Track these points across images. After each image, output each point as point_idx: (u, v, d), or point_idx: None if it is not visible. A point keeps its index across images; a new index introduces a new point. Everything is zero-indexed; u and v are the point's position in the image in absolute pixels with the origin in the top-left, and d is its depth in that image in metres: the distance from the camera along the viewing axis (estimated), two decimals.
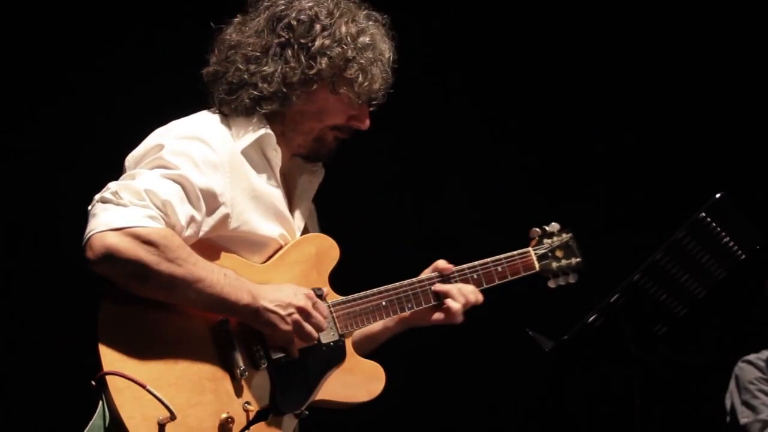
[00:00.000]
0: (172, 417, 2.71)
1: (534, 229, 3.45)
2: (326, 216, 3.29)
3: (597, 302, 3.24)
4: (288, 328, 2.87)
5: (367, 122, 3.09)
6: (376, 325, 3.22)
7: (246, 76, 2.99)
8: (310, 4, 3.03)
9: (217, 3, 3.16)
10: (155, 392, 2.70)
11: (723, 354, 4.93)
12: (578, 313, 3.28)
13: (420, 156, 5.27)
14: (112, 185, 2.78)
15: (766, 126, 5.59)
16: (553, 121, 5.56)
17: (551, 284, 3.46)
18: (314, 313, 2.91)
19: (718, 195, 3.22)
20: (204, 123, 2.99)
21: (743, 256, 3.24)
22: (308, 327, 2.90)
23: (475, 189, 5.38)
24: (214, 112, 3.04)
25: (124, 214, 2.71)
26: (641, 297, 3.19)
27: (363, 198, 5.06)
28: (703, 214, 3.19)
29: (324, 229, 3.27)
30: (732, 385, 4.70)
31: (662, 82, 5.61)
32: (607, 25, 5.54)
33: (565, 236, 3.47)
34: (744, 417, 4.62)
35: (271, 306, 2.85)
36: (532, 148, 5.53)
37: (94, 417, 2.73)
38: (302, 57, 2.98)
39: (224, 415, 2.81)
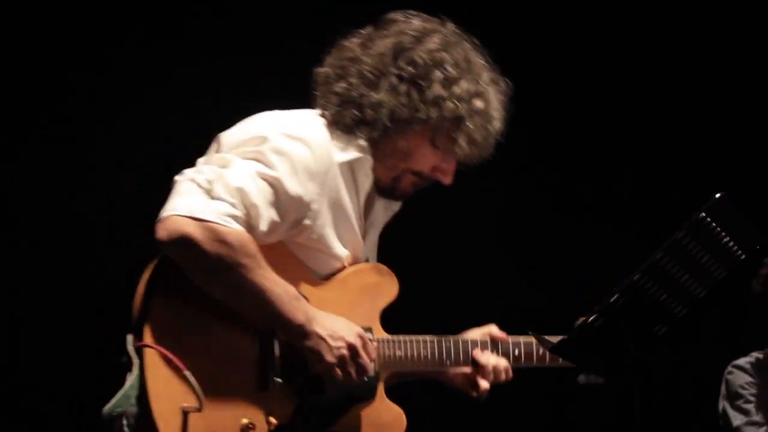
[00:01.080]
0: (199, 409, 2.70)
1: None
2: (387, 248, 3.28)
3: (597, 302, 3.23)
4: (332, 360, 2.86)
5: (451, 179, 3.06)
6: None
7: (355, 94, 2.95)
8: (440, 46, 2.96)
9: None
10: (193, 380, 2.70)
11: (723, 354, 4.93)
12: (578, 313, 3.28)
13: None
14: (207, 170, 2.75)
15: (766, 126, 5.60)
16: (553, 120, 5.56)
17: (581, 379, 3.43)
18: (362, 354, 2.90)
19: (718, 195, 3.21)
20: (311, 125, 2.95)
21: (743, 256, 3.23)
22: (351, 366, 2.89)
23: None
24: (320, 116, 3.00)
25: (210, 206, 2.69)
26: (641, 297, 3.19)
27: (427, 237, 5.04)
28: (703, 214, 3.19)
29: (380, 259, 3.26)
30: (723, 390, 4.73)
31: (662, 81, 5.62)
32: (607, 25, 5.54)
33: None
34: (737, 420, 4.63)
35: (323, 333, 2.84)
36: (533, 149, 5.54)
37: (126, 387, 2.69)
38: (415, 97, 2.93)
39: (245, 421, 2.81)
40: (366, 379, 2.98)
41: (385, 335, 3.06)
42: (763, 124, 5.59)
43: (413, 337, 3.09)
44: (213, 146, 2.99)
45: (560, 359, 3.32)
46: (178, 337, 2.75)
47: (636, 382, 3.19)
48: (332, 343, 2.85)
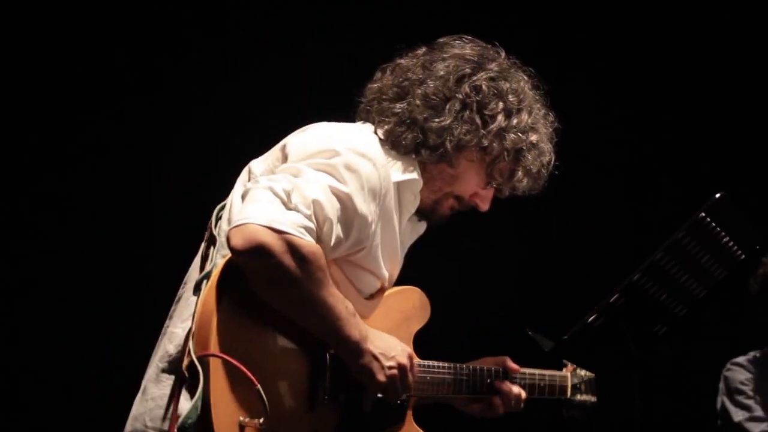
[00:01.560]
0: (260, 426, 2.67)
1: (568, 363, 3.53)
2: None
3: (597, 302, 3.23)
4: (383, 379, 2.85)
5: (488, 207, 3.06)
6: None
7: (419, 117, 2.91)
8: (499, 74, 2.95)
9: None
10: (263, 395, 2.67)
11: (723, 354, 4.93)
12: (578, 313, 3.28)
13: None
14: (283, 180, 2.71)
15: (766, 126, 5.60)
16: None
17: (564, 413, 3.56)
18: (409, 375, 2.90)
19: (718, 195, 3.21)
20: (372, 143, 2.91)
21: (743, 256, 3.24)
22: (399, 385, 2.88)
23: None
24: (376, 133, 2.96)
25: (288, 217, 2.66)
26: (641, 297, 3.19)
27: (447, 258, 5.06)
28: (703, 214, 3.19)
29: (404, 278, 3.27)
30: (722, 387, 4.72)
31: (662, 81, 5.61)
32: (607, 24, 5.54)
33: (591, 377, 3.58)
34: (738, 416, 4.63)
35: (376, 352, 2.83)
36: None
37: (195, 397, 2.63)
38: (478, 125, 2.90)
39: None
40: (400, 402, 3.00)
41: (417, 360, 3.05)
42: (763, 124, 5.59)
43: (440, 364, 3.12)
44: (275, 152, 2.94)
45: (557, 394, 3.48)
46: (242, 348, 2.70)
47: (636, 382, 3.20)
48: (384, 362, 2.84)
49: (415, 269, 3.29)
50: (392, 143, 2.93)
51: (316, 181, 2.73)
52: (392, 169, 2.91)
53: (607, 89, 5.55)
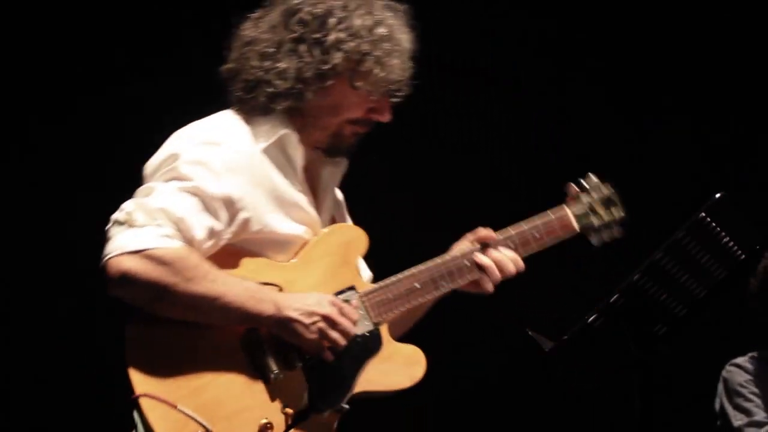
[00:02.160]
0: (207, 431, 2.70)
1: (570, 185, 3.28)
2: (354, 203, 3.24)
3: (597, 302, 3.23)
4: (313, 336, 2.82)
5: (389, 114, 3.03)
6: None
7: (261, 74, 2.93)
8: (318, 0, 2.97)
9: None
10: (186, 410, 2.69)
11: (723, 354, 4.92)
12: (578, 313, 3.28)
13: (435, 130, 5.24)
14: (127, 205, 2.75)
15: (766, 126, 5.59)
16: (553, 120, 5.56)
17: (595, 242, 3.28)
18: (340, 320, 2.85)
19: (718, 195, 3.22)
20: (223, 124, 2.95)
21: (743, 256, 3.24)
22: (334, 334, 2.84)
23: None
24: (235, 112, 2.99)
25: (139, 235, 2.68)
26: (641, 297, 3.19)
27: (386, 180, 5.04)
28: (703, 214, 3.19)
29: (354, 215, 3.23)
30: (720, 388, 4.69)
31: (662, 81, 5.61)
32: (607, 23, 5.54)
33: (605, 190, 3.33)
34: (737, 420, 4.60)
35: (295, 315, 2.81)
36: (533, 148, 5.53)
37: None
38: (316, 52, 2.92)
39: (263, 421, 2.78)
40: (367, 334, 2.95)
41: (370, 285, 3.01)
42: (763, 124, 5.59)
43: (399, 276, 3.02)
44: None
45: (562, 234, 3.16)
46: (170, 371, 2.72)
47: (636, 382, 3.20)
48: (306, 320, 2.81)
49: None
50: (247, 112, 2.96)
51: (162, 191, 2.75)
52: (256, 137, 2.92)
53: (607, 89, 5.54)
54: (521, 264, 3.15)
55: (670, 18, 5.57)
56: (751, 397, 4.61)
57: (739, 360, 4.70)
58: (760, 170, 5.53)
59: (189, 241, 2.74)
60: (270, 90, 2.93)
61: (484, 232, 3.14)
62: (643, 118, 5.62)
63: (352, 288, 2.97)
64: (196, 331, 2.78)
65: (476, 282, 3.13)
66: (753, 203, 3.50)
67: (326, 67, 2.92)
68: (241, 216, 2.85)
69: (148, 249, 2.67)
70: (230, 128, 2.94)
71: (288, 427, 2.81)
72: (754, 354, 4.70)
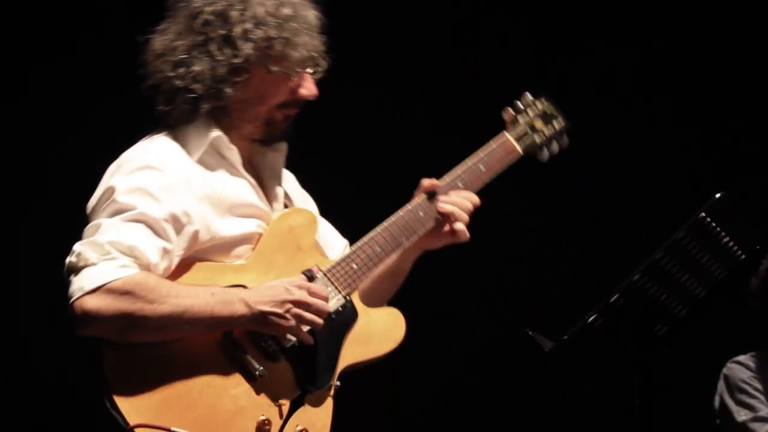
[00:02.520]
0: None
1: (506, 109, 3.29)
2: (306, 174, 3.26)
3: (597, 302, 3.23)
4: (291, 323, 2.85)
5: (314, 89, 3.04)
6: (380, 272, 3.16)
7: (178, 82, 2.95)
8: None
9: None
10: (179, 430, 2.70)
11: (723, 354, 4.92)
12: (578, 313, 3.28)
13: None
14: (77, 247, 2.78)
15: (766, 126, 5.59)
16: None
17: (542, 159, 3.33)
18: (312, 300, 2.87)
19: (718, 195, 3.22)
20: (152, 147, 2.97)
21: (743, 256, 3.24)
22: (310, 316, 2.86)
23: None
24: (160, 131, 3.02)
25: (95, 272, 2.72)
26: (641, 297, 3.19)
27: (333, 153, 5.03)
28: (703, 214, 3.19)
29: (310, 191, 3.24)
30: (721, 385, 4.67)
31: (662, 81, 5.61)
32: (608, 22, 5.54)
33: (539, 105, 3.35)
34: (742, 416, 4.59)
35: (267, 308, 2.83)
36: None
37: None
38: (226, 48, 2.95)
39: (261, 419, 2.81)
40: (340, 308, 2.98)
41: (331, 261, 3.03)
42: (763, 124, 5.59)
43: (357, 244, 3.06)
44: None
45: (507, 159, 3.18)
46: (156, 394, 2.74)
47: (636, 382, 3.20)
48: (279, 310, 2.83)
49: (417, 273, 3.29)
50: (174, 126, 2.99)
51: (107, 226, 2.78)
52: (187, 151, 2.95)
53: (607, 89, 5.54)
54: (476, 198, 3.16)
55: (671, 17, 5.57)
56: (754, 393, 4.60)
57: (740, 357, 4.69)
58: (760, 170, 5.53)
59: (145, 267, 2.78)
60: (190, 96, 2.95)
61: (427, 182, 3.15)
62: (642, 118, 5.63)
63: (310, 271, 2.97)
64: (174, 347, 2.80)
65: (440, 233, 3.14)
66: (753, 203, 3.50)
67: (238, 60, 2.95)
68: (189, 230, 2.87)
69: (106, 284, 2.71)
70: (160, 149, 2.96)
71: (286, 419, 2.83)
72: (755, 353, 4.70)
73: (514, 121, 3.29)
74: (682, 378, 5.35)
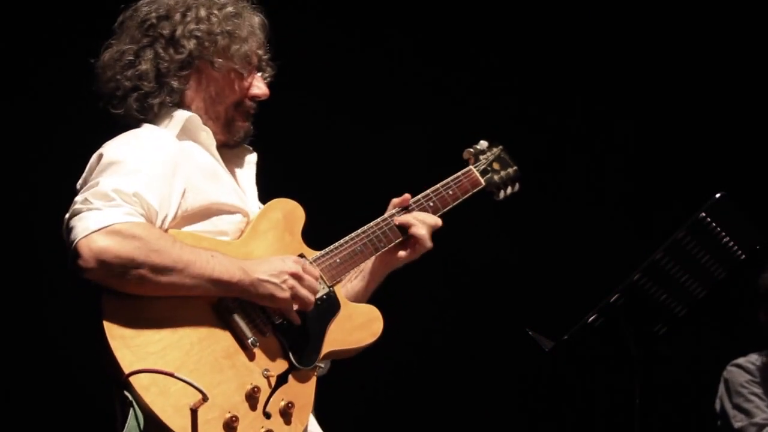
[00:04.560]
0: (204, 398, 2.74)
1: (467, 149, 3.51)
2: (278, 184, 3.29)
3: (597, 302, 3.24)
4: (286, 294, 2.92)
5: (265, 89, 3.16)
6: (357, 284, 3.29)
7: (127, 83, 3.05)
8: (157, 2, 3.10)
9: None
10: (184, 377, 2.73)
11: (723, 354, 4.93)
12: (578, 313, 3.29)
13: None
14: (79, 198, 2.81)
15: (766, 126, 5.60)
16: (551, 119, 5.57)
17: (499, 197, 3.54)
18: (306, 277, 2.96)
19: (718, 195, 3.22)
20: (133, 130, 3.04)
21: (743, 256, 3.24)
22: (303, 291, 2.95)
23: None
24: (138, 126, 3.08)
25: (102, 215, 2.74)
26: (641, 297, 3.19)
27: (314, 158, 5.07)
28: (703, 214, 3.20)
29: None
30: (722, 389, 4.69)
31: (662, 81, 5.62)
32: (608, 22, 5.54)
33: (496, 150, 3.55)
34: (738, 421, 4.60)
35: (265, 276, 2.90)
36: (533, 147, 5.54)
37: (128, 421, 2.73)
38: (170, 46, 3.06)
39: (249, 386, 2.85)
40: (325, 296, 3.07)
41: (317, 252, 3.13)
42: (763, 124, 5.59)
43: (341, 241, 3.18)
44: None
45: (471, 188, 3.42)
46: (152, 349, 2.77)
47: (636, 382, 3.20)
48: (277, 280, 2.92)
49: (418, 274, 3.30)
50: (136, 120, 3.07)
51: (106, 179, 2.83)
52: (165, 130, 3.04)
53: (607, 89, 5.55)
54: (438, 220, 3.33)
55: (672, 16, 5.58)
56: (752, 398, 4.61)
57: (740, 360, 4.70)
58: (760, 170, 5.53)
59: (148, 216, 2.82)
60: (138, 93, 3.05)
61: (398, 199, 3.32)
62: (643, 118, 5.63)
63: (301, 256, 3.07)
64: (172, 305, 2.83)
65: (413, 242, 3.28)
66: (753, 203, 3.50)
67: (183, 55, 3.06)
68: (179, 186, 2.93)
69: (113, 224, 2.73)
70: (141, 128, 3.04)
71: (273, 390, 2.89)
72: (756, 355, 4.71)
73: (477, 159, 3.51)
74: (682, 378, 5.36)
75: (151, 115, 3.07)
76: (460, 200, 3.41)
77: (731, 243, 3.22)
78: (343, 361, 3.11)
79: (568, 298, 4.37)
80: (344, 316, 3.10)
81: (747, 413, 4.60)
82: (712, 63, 5.58)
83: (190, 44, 3.06)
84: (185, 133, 3.06)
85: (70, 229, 2.76)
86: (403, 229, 3.27)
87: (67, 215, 2.80)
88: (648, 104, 5.62)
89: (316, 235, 3.16)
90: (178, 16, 3.08)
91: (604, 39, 5.55)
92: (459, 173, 3.43)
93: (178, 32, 3.07)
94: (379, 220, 3.27)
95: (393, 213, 3.29)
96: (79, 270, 2.73)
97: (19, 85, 4.68)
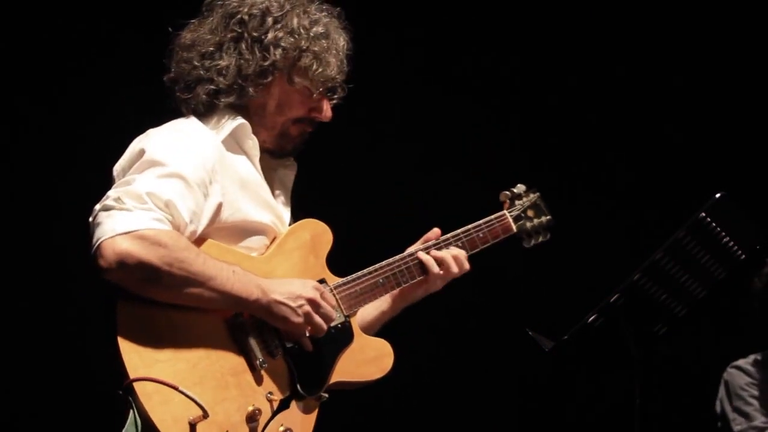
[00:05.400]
0: (205, 415, 2.73)
1: (503, 192, 3.50)
2: (312, 202, 3.29)
3: (597, 302, 3.24)
4: (300, 320, 2.90)
5: (329, 113, 3.13)
6: (372, 313, 3.27)
7: (202, 72, 3.02)
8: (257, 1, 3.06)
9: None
10: (187, 392, 2.72)
11: (723, 354, 4.93)
12: (578, 313, 3.28)
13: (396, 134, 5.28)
14: (112, 193, 2.78)
15: (766, 126, 5.60)
16: (550, 120, 5.56)
17: (526, 244, 3.54)
18: (323, 304, 2.94)
19: (718, 195, 3.22)
20: (180, 122, 3.02)
21: (743, 256, 3.24)
22: (318, 318, 2.93)
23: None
24: (186, 116, 3.06)
25: (130, 218, 2.72)
26: (641, 297, 3.19)
27: (345, 181, 5.08)
28: (703, 214, 3.19)
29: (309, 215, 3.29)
30: (722, 391, 4.69)
31: (662, 81, 5.61)
32: (609, 22, 5.54)
33: (533, 196, 3.55)
34: (737, 424, 4.60)
35: (281, 299, 2.88)
36: (534, 148, 5.54)
37: (126, 425, 2.73)
38: (256, 49, 3.03)
39: (251, 408, 2.84)
40: (339, 325, 3.05)
41: (338, 279, 3.11)
42: (763, 124, 5.59)
43: (364, 271, 3.15)
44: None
45: (502, 234, 3.42)
46: (160, 357, 2.76)
47: (636, 382, 3.20)
48: (293, 303, 2.89)
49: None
50: (195, 111, 3.04)
51: (143, 178, 2.80)
52: (214, 131, 3.01)
53: (606, 89, 5.54)
54: (465, 264, 3.33)
55: (671, 16, 5.57)
56: (751, 400, 4.61)
57: (740, 362, 4.70)
58: (760, 170, 5.53)
59: (176, 226, 2.79)
60: (211, 87, 3.02)
61: (431, 233, 3.31)
62: (643, 117, 5.63)
63: (323, 281, 3.06)
64: (187, 316, 2.82)
65: (428, 281, 3.28)
66: (753, 203, 3.50)
67: (266, 63, 3.02)
68: (214, 201, 2.91)
69: (140, 230, 2.71)
70: (188, 124, 3.01)
71: (273, 414, 2.88)
72: (757, 356, 4.70)
73: (512, 204, 3.51)
74: (682, 378, 5.36)
75: (212, 111, 3.03)
76: (489, 244, 3.40)
77: (731, 243, 3.22)
78: None
79: (568, 298, 4.37)
80: (356, 348, 3.08)
81: (747, 416, 4.59)
82: (713, 63, 5.58)
83: (277, 54, 3.02)
84: (234, 137, 3.03)
85: (97, 225, 2.74)
86: (423, 267, 3.24)
87: (97, 207, 2.77)
88: (648, 104, 5.62)
89: (341, 258, 3.15)
90: (270, 20, 3.04)
91: (605, 39, 5.55)
92: (492, 217, 3.43)
93: (269, 37, 3.03)
94: (405, 254, 3.25)
95: (420, 249, 3.26)
96: (99, 269, 2.72)
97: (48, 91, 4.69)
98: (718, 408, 4.70)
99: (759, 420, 4.57)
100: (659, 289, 3.20)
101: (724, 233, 3.21)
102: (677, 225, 3.24)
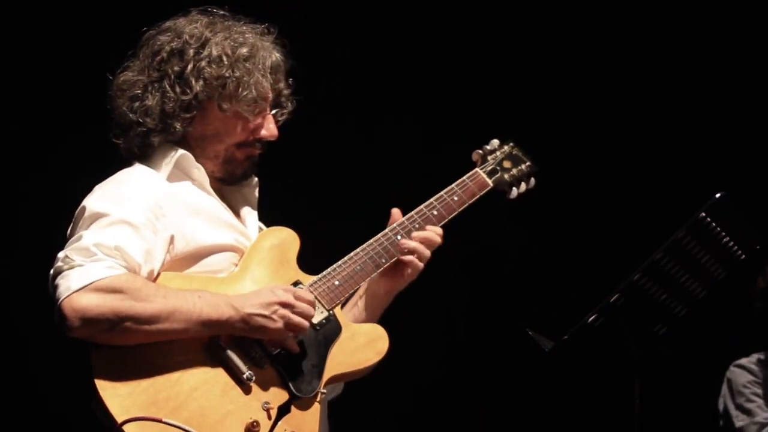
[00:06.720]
0: None
1: (476, 151, 3.42)
2: (278, 205, 3.30)
3: (597, 302, 3.23)
4: (278, 325, 2.90)
5: (274, 131, 3.12)
6: (358, 312, 3.25)
7: (132, 116, 3.04)
8: (175, 33, 3.07)
9: None
10: (171, 421, 2.73)
11: (724, 354, 4.93)
12: (578, 313, 3.28)
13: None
14: (60, 254, 2.82)
15: (766, 126, 5.60)
16: (549, 119, 5.56)
17: (512, 196, 3.44)
18: (297, 303, 2.93)
19: (718, 195, 3.22)
20: (121, 173, 3.04)
21: (743, 256, 3.24)
22: (296, 318, 2.92)
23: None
24: (130, 164, 3.09)
25: (83, 273, 2.75)
26: (641, 297, 3.19)
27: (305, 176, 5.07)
28: (703, 214, 3.19)
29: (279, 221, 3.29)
30: (725, 389, 4.69)
31: (662, 82, 5.61)
32: (609, 22, 5.54)
33: (507, 148, 3.46)
34: (739, 421, 4.61)
35: (254, 311, 2.88)
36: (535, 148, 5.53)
37: None
38: (178, 85, 3.02)
39: (249, 421, 2.84)
40: (324, 321, 3.04)
41: (313, 277, 3.10)
42: (763, 124, 5.59)
43: (339, 263, 3.12)
44: None
45: (478, 191, 3.32)
46: (145, 396, 2.78)
47: (636, 382, 3.20)
48: (266, 311, 2.88)
49: (421, 275, 3.30)
50: (134, 155, 3.07)
51: (88, 233, 2.83)
52: (158, 171, 3.03)
53: (605, 89, 5.55)
54: (441, 233, 3.26)
55: (671, 16, 5.58)
56: (754, 398, 4.62)
57: (743, 361, 4.71)
58: (760, 170, 5.53)
59: (131, 268, 2.81)
60: (141, 129, 3.03)
61: (398, 213, 3.25)
62: (643, 117, 5.63)
63: (297, 283, 3.05)
64: (162, 349, 2.83)
65: (406, 263, 3.22)
66: (753, 203, 3.50)
67: (187, 97, 3.02)
68: (166, 234, 2.92)
69: (94, 281, 2.74)
70: (129, 171, 3.04)
71: (274, 422, 2.88)
72: (760, 355, 4.70)
73: (484, 159, 3.42)
74: (682, 378, 5.36)
75: (150, 150, 3.05)
76: (467, 205, 3.32)
77: (731, 243, 3.22)
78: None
79: (568, 298, 4.37)
80: (346, 338, 3.06)
81: (749, 413, 4.60)
82: (713, 63, 5.58)
83: (198, 86, 3.02)
84: (179, 168, 3.04)
85: (54, 288, 2.77)
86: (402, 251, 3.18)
87: (51, 273, 2.81)
88: (648, 104, 5.62)
89: (315, 257, 3.13)
90: (191, 52, 3.04)
91: (606, 38, 5.55)
92: (464, 177, 3.35)
93: (188, 71, 3.03)
94: (379, 235, 3.21)
95: (395, 228, 3.22)
96: (66, 330, 2.75)
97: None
98: (720, 406, 4.71)
99: (761, 416, 4.57)
100: (659, 289, 3.20)
101: (724, 233, 3.21)
102: (677, 225, 3.24)
